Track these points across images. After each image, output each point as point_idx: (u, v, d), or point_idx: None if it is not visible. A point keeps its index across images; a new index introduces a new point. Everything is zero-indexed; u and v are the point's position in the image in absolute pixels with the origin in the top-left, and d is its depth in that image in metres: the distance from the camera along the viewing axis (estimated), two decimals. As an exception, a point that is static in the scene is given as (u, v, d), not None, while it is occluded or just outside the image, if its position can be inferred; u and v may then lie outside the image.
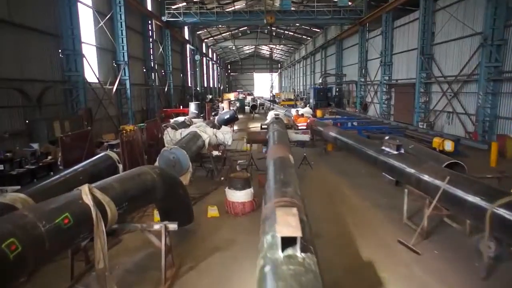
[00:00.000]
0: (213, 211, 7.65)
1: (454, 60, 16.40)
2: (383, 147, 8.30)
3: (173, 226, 4.71)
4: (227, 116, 16.65)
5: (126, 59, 18.80)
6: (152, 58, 23.81)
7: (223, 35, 50.87)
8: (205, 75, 49.90)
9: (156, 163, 7.91)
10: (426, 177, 6.18)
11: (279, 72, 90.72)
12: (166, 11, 26.58)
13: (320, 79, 34.49)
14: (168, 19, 26.72)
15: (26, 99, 11.40)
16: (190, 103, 19.89)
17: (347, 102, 33.58)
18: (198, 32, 44.25)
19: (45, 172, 8.97)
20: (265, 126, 14.59)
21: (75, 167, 7.10)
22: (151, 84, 24.05)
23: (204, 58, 49.32)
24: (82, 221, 3.74)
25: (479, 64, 14.39)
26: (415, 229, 6.03)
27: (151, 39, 23.66)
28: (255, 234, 3.73)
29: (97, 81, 16.33)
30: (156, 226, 4.73)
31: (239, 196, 7.53)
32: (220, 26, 44.48)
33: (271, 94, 53.79)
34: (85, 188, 3.98)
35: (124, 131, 7.91)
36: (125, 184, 4.81)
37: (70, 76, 13.91)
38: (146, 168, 5.46)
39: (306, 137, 11.15)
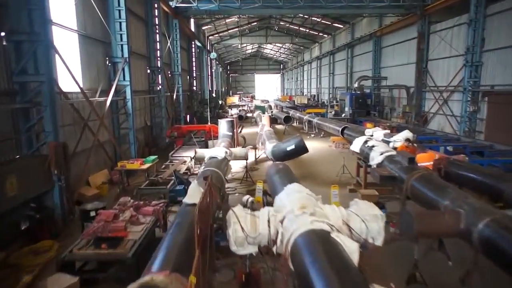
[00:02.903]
0: None
1: None
2: None
3: None
4: (290, 147, 10.18)
5: (126, 54, 12.16)
6: (159, 55, 17.16)
7: (230, 31, 44.23)
8: (208, 77, 43.25)
9: None
10: None
11: (281, 73, 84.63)
12: (175, -6, 19.97)
13: (356, 83, 28.23)
14: (177, 5, 20.08)
15: None
16: (219, 120, 13.32)
17: (389, 111, 27.37)
18: (204, 28, 37.60)
19: None
20: (381, 174, 8.17)
21: None
22: (158, 91, 17.42)
23: (209, 58, 42.61)
24: None
25: None
26: None
27: (157, 30, 17.00)
28: None
29: (79, 90, 9.70)
30: None
31: None
32: (229, 20, 37.97)
33: (292, 99, 47.05)
34: None
35: None
36: None
37: (25, 84, 7.29)
38: None
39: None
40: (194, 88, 29.42)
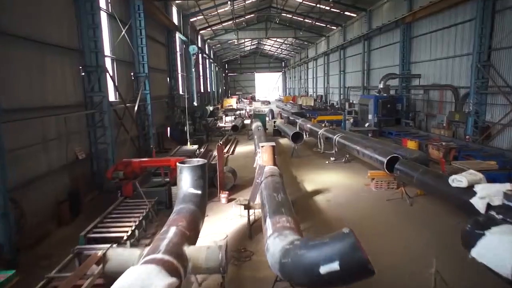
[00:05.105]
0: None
1: None
2: None
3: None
4: (328, 267, 3.76)
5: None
6: (96, 46, 10.70)
7: (224, 24, 37.70)
8: (201, 78, 36.83)
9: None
10: None
11: (283, 71, 78.21)
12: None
13: (381, 83, 21.72)
14: (136, -23, 13.66)
15: None
16: (178, 164, 6.76)
17: (425, 118, 20.81)
18: (192, 19, 31.13)
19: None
20: None
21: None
22: (99, 103, 11.00)
23: (200, 55, 36.20)
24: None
25: None
26: None
27: (91, 5, 10.53)
28: None
29: None
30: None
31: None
32: (221, 11, 31.54)
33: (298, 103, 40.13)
34: None
35: None
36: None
37: None
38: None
39: None
40: (177, 92, 22.95)
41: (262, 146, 8.66)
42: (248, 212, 7.83)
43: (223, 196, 9.90)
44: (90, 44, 10.59)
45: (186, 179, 6.71)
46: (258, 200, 7.83)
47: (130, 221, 7.52)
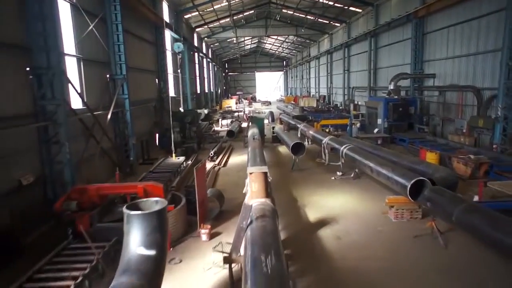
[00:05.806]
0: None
1: None
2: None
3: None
4: None
5: None
6: (46, 42, 8.53)
7: (221, 22, 35.49)
8: (198, 78, 34.68)
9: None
10: None
11: (284, 71, 75.97)
12: None
13: (392, 83, 19.44)
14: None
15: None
16: (124, 211, 4.63)
17: (441, 123, 18.52)
18: (186, 16, 28.97)
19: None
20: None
21: None
22: (54, 112, 8.83)
23: (196, 54, 34.06)
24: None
25: None
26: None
27: (38, -8, 8.37)
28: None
29: None
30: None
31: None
32: (217, 7, 29.37)
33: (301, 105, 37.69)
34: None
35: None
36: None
37: None
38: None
39: None
40: (167, 94, 20.76)
41: (250, 173, 6.47)
42: (230, 266, 5.67)
43: (204, 232, 7.73)
44: (39, 40, 8.42)
45: (134, 233, 4.51)
46: (239, 253, 5.67)
47: (66, 282, 5.40)
